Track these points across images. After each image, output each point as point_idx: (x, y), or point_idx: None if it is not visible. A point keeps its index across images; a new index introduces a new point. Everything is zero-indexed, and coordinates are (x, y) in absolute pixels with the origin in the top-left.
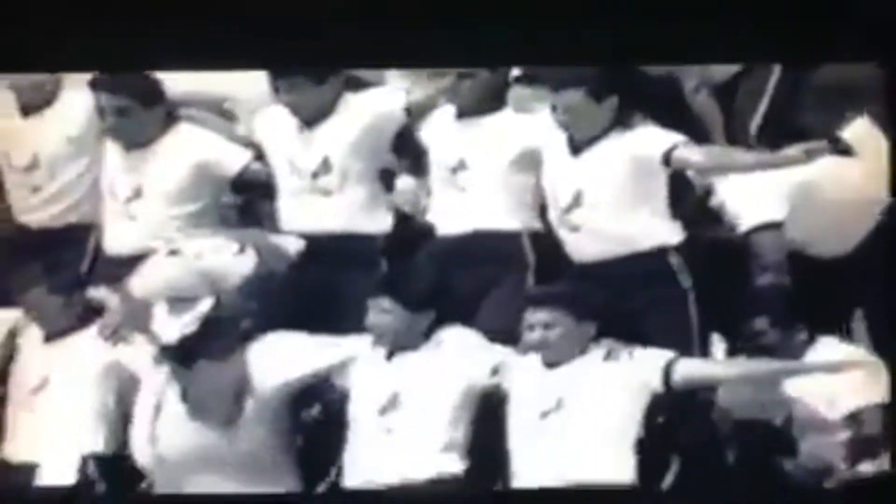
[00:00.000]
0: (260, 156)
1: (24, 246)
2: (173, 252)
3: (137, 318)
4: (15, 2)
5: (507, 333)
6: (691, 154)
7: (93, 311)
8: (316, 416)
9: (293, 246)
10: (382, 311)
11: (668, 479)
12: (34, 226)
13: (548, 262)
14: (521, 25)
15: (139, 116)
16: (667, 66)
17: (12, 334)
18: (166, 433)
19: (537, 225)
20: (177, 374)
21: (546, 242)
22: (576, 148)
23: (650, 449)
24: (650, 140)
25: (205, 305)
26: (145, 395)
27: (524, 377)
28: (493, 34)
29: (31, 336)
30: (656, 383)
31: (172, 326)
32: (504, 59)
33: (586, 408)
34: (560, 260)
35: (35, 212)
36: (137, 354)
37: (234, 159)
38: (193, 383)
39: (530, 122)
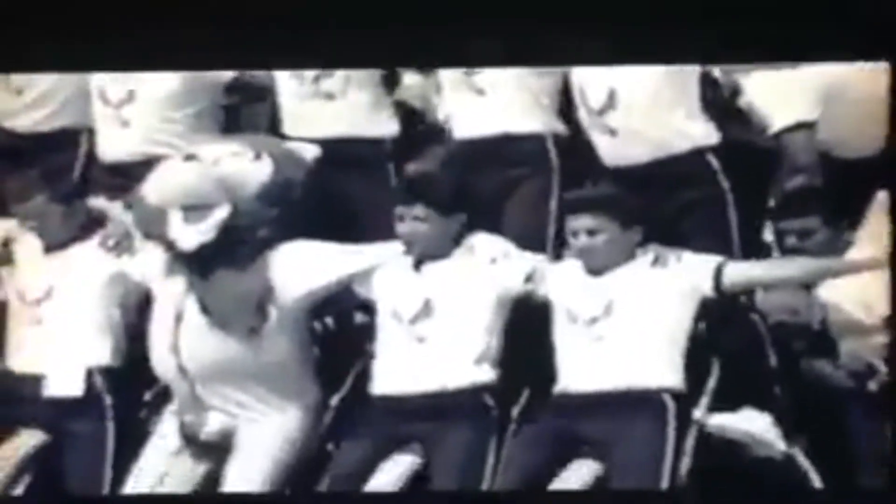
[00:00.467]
0: None
1: (12, 152)
2: (189, 157)
3: (152, 226)
4: None
5: (535, 240)
6: None
7: (94, 222)
8: (338, 326)
9: (309, 153)
10: (412, 217)
11: (711, 384)
12: (20, 131)
13: (574, 167)
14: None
15: None
16: (667, 66)
17: (5, 244)
18: (188, 344)
19: (560, 128)
20: (195, 284)
21: (571, 146)
22: None
23: (695, 354)
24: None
25: (222, 213)
26: (161, 305)
27: (564, 284)
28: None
29: (30, 247)
30: (706, 287)
31: (189, 234)
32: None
33: (635, 314)
34: (588, 164)
35: (20, 116)
36: (145, 265)
37: None
38: (213, 293)
39: None
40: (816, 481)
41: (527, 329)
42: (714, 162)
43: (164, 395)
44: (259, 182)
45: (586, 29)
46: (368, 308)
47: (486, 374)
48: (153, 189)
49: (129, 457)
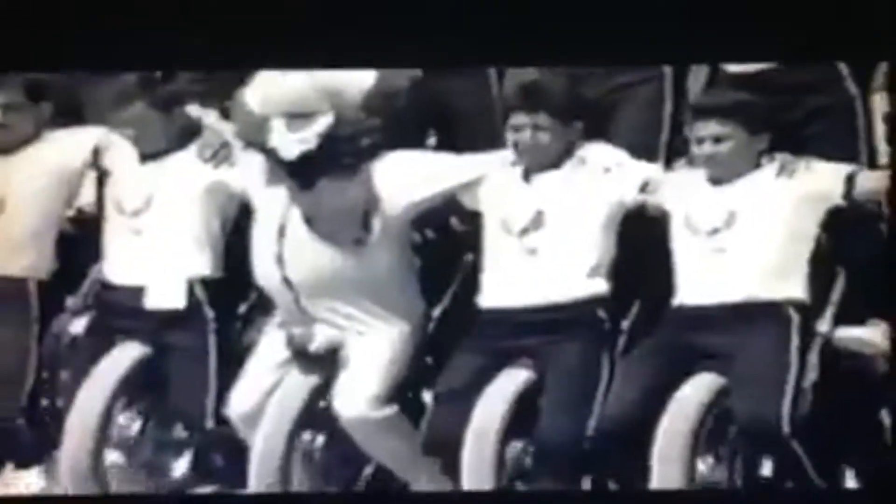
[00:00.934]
0: None
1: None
2: None
3: (253, 134)
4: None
5: (648, 148)
6: None
7: (190, 131)
8: (439, 237)
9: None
10: (531, 126)
11: (836, 296)
12: None
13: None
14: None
15: None
16: (667, 66)
17: (97, 153)
18: (292, 255)
19: None
20: (297, 195)
21: None
22: None
23: (820, 265)
24: None
25: (325, 121)
26: (264, 216)
27: (683, 193)
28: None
29: (125, 155)
30: (837, 196)
31: (291, 143)
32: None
33: (759, 224)
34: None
35: None
36: (244, 174)
37: None
38: (316, 204)
39: None
40: None
41: (641, 240)
42: (843, 69)
43: (264, 308)
44: (362, 90)
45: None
46: (474, 219)
47: (600, 286)
48: (255, 96)
49: (231, 370)
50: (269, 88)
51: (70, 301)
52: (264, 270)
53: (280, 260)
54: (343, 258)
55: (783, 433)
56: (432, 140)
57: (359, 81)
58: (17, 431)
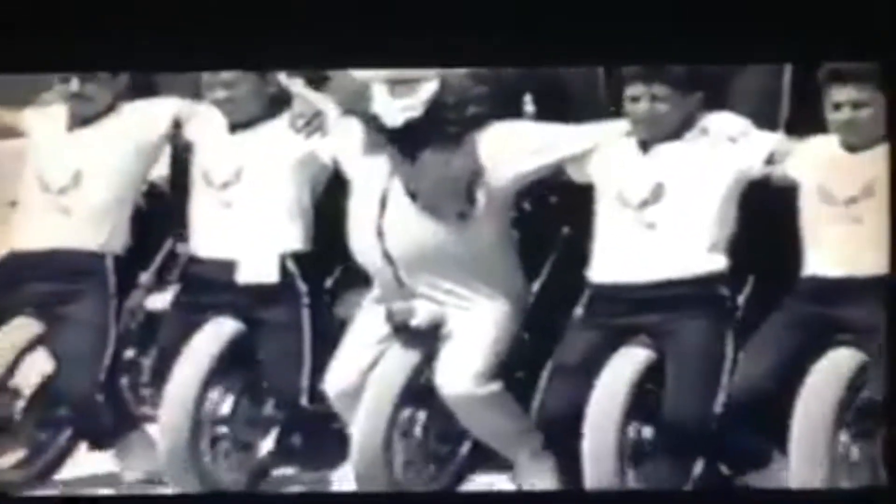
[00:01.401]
0: None
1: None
2: None
3: (354, 101)
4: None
5: (770, 118)
6: None
7: (281, 100)
8: (539, 209)
9: None
10: (649, 97)
11: None
12: None
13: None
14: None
15: None
16: (667, 66)
17: (177, 124)
18: (393, 228)
19: None
20: (400, 165)
21: None
22: None
23: None
24: None
25: (431, 87)
26: (363, 187)
27: (813, 163)
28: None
29: (214, 125)
30: None
31: (395, 110)
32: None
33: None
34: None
35: None
36: (341, 145)
37: None
38: (420, 174)
39: None
40: None
41: (766, 213)
42: None
43: (359, 282)
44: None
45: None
46: (581, 192)
47: (720, 262)
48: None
49: (326, 346)
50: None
51: (143, 277)
52: (363, 244)
53: (380, 233)
54: (446, 232)
55: None
56: (541, 110)
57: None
58: (95, 409)
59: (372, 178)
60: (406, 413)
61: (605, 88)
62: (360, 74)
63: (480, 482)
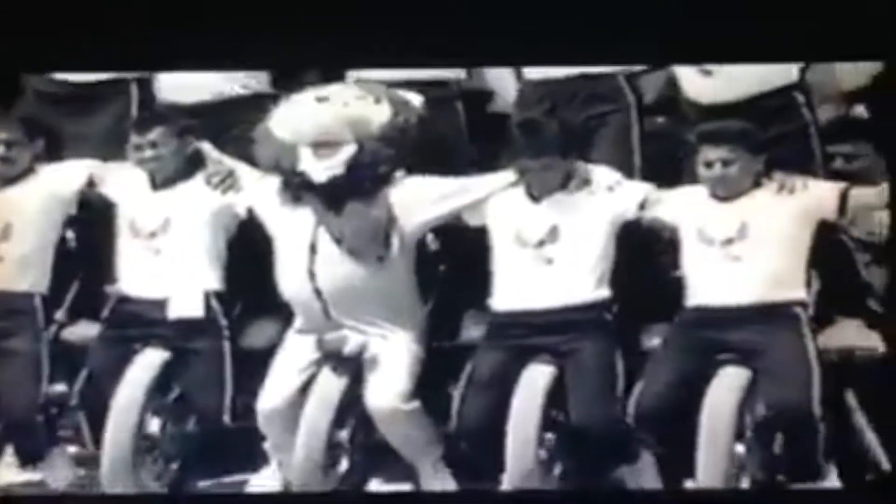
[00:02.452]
0: None
1: None
2: (322, 99)
3: (281, 159)
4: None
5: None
6: None
7: (197, 161)
8: (444, 250)
9: (416, 100)
10: (540, 167)
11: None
12: None
13: (655, 101)
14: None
15: None
16: (667, 66)
17: (91, 183)
18: (323, 269)
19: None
20: (325, 215)
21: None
22: None
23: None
24: None
25: (350, 150)
26: (288, 235)
27: (689, 209)
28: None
29: (134, 183)
30: (830, 212)
31: (320, 168)
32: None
33: (764, 235)
34: (673, 100)
35: None
36: (257, 199)
37: None
38: (343, 223)
39: None
40: None
41: (650, 251)
42: (799, 97)
43: (277, 316)
44: (380, 123)
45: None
46: (481, 234)
47: (606, 292)
48: (283, 125)
49: (243, 370)
50: (299, 118)
51: (59, 314)
52: (294, 283)
53: (312, 274)
54: (367, 272)
55: (814, 417)
56: (438, 167)
57: (378, 115)
58: (31, 429)
59: (299, 227)
60: (342, 430)
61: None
62: (287, 137)
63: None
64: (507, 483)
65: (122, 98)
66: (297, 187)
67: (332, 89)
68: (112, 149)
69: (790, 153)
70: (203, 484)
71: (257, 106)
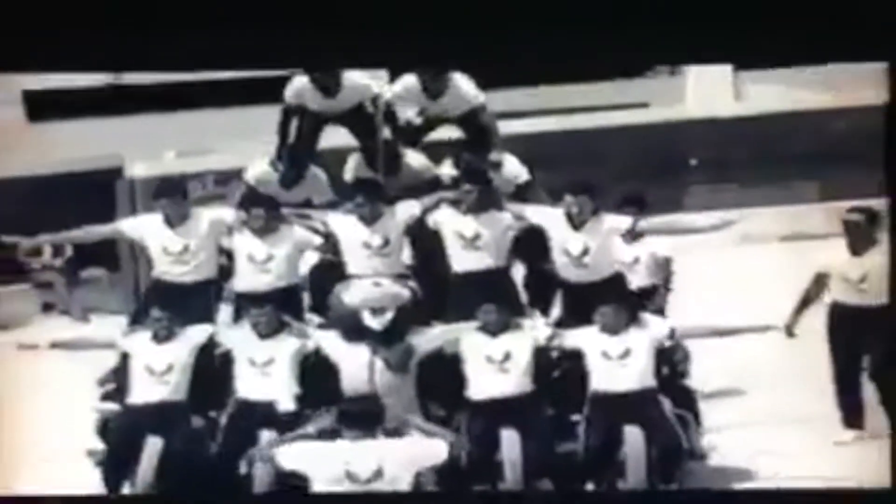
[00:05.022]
0: None
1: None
2: (377, 284)
3: (348, 319)
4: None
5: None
6: None
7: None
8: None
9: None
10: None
11: None
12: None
13: None
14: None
15: None
16: (667, 66)
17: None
18: (380, 381)
19: None
20: (379, 349)
21: None
22: None
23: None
24: None
25: (392, 312)
26: (352, 363)
27: (589, 339)
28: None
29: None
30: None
31: (375, 323)
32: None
33: (641, 355)
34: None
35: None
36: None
37: None
38: (391, 354)
39: None
40: None
41: (565, 366)
42: None
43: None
44: (407, 298)
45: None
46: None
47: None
48: (352, 298)
49: None
50: (364, 295)
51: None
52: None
53: (373, 382)
54: (401, 381)
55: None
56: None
57: (404, 291)
58: None
59: (359, 357)
60: None
61: None
62: (355, 304)
63: None
64: None
65: None
66: (358, 333)
67: (384, 279)
68: None
69: None
70: None
71: None
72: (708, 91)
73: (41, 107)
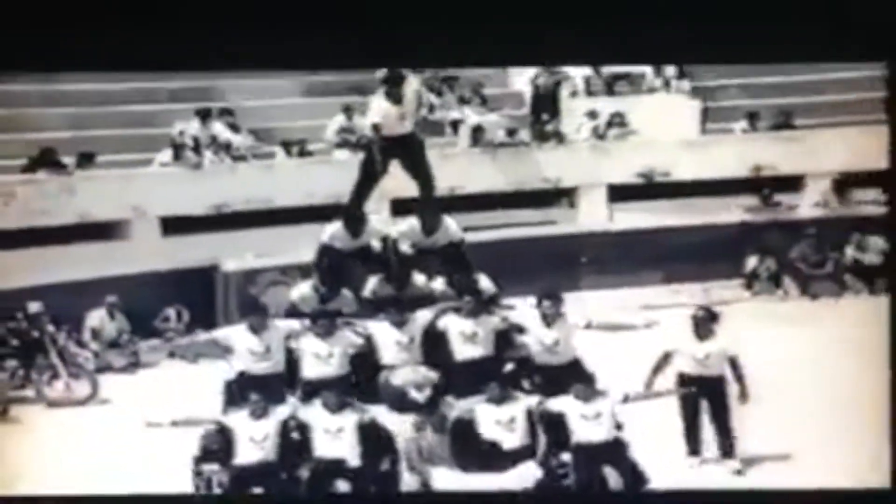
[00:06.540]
0: None
1: None
2: (415, 370)
3: (394, 396)
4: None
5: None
6: None
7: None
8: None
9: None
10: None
11: None
12: None
13: None
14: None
15: None
16: (667, 66)
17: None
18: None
19: None
20: (427, 418)
21: None
22: None
23: None
24: None
25: (429, 390)
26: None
27: (568, 405)
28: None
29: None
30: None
31: (420, 397)
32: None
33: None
34: None
35: None
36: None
37: None
38: (438, 420)
39: None
40: None
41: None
42: None
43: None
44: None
45: (578, 29)
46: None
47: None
48: (399, 379)
49: None
50: (405, 378)
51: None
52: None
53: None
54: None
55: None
56: None
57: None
58: None
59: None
60: None
61: None
62: (400, 384)
63: None
64: None
65: None
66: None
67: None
68: None
69: None
70: None
71: None
72: (592, 212)
73: (172, 225)
